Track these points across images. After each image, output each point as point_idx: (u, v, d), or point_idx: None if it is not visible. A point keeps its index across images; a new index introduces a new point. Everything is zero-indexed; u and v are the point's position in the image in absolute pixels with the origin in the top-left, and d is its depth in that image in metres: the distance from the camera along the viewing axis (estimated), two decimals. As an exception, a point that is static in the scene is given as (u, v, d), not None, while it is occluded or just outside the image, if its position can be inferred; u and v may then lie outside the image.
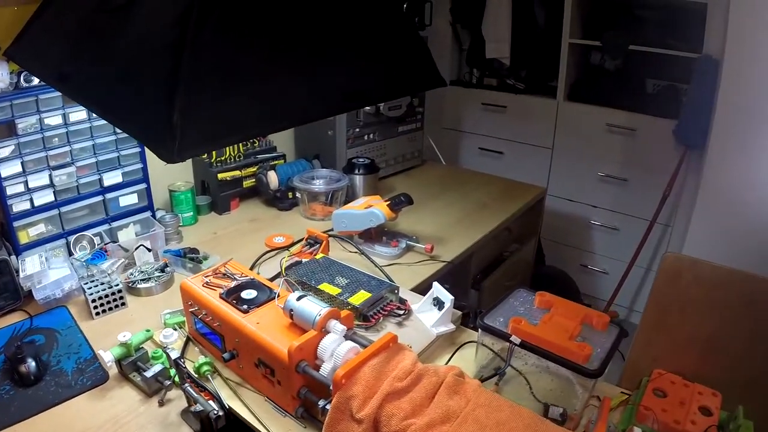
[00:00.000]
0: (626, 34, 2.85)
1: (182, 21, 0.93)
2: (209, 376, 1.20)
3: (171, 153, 0.85)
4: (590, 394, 1.16)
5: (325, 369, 1.00)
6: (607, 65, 3.15)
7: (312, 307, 1.05)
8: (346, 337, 1.05)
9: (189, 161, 2.04)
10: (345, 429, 0.95)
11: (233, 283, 1.25)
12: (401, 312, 1.38)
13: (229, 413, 1.12)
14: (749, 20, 2.13)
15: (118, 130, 1.69)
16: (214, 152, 2.00)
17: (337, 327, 1.04)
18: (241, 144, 2.08)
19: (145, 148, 1.74)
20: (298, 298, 1.08)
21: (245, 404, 1.14)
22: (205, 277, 1.29)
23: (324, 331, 1.04)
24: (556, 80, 3.12)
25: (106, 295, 1.46)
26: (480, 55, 3.32)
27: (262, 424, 1.09)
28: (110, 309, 1.48)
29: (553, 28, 3.06)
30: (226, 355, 1.18)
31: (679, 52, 2.68)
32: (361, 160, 2.24)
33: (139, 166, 1.80)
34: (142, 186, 1.83)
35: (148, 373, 1.17)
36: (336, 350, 1.00)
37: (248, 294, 1.21)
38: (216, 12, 0.94)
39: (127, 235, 1.76)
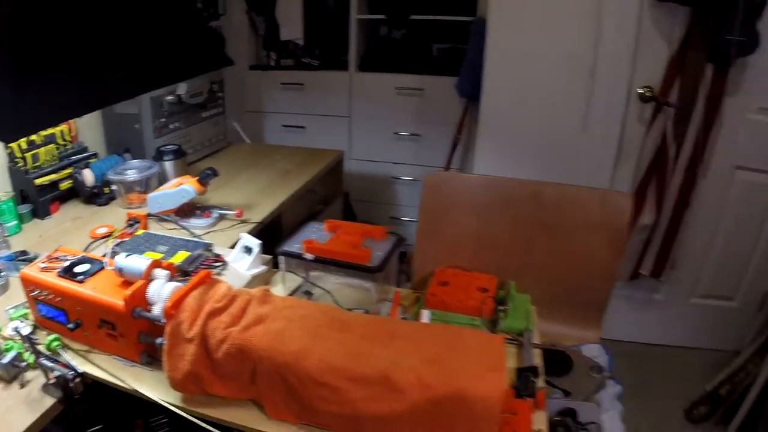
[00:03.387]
0: (407, 5, 3.16)
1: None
2: (60, 350, 1.30)
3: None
4: (380, 292, 1.44)
5: (156, 309, 1.21)
6: (394, 35, 3.51)
7: (138, 262, 1.26)
8: (170, 280, 1.27)
9: (5, 172, 2.08)
10: (181, 351, 1.13)
11: (68, 263, 1.40)
12: (218, 264, 1.62)
13: (87, 381, 1.22)
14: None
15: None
16: (29, 159, 2.08)
17: (160, 273, 1.26)
18: (54, 148, 2.17)
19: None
20: (126, 257, 1.28)
21: (97, 365, 1.28)
22: (41, 263, 1.41)
23: (150, 279, 1.26)
24: (348, 54, 3.41)
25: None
26: (275, 38, 3.54)
27: (115, 376, 1.24)
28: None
29: (343, 6, 3.34)
30: (71, 325, 1.30)
31: (456, 17, 3.05)
32: (168, 147, 2.38)
33: (-42, 180, 1.83)
34: (-38, 200, 1.86)
35: (4, 360, 1.23)
36: (162, 291, 1.22)
37: (82, 268, 1.36)
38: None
39: (-49, 249, 1.82)
